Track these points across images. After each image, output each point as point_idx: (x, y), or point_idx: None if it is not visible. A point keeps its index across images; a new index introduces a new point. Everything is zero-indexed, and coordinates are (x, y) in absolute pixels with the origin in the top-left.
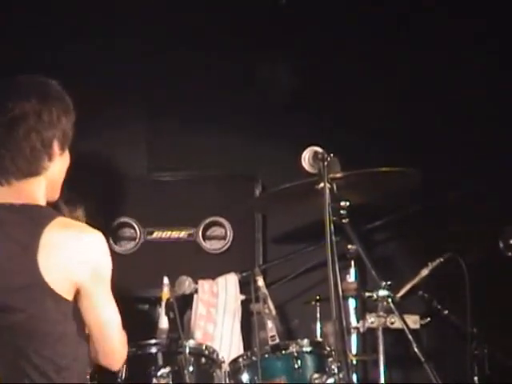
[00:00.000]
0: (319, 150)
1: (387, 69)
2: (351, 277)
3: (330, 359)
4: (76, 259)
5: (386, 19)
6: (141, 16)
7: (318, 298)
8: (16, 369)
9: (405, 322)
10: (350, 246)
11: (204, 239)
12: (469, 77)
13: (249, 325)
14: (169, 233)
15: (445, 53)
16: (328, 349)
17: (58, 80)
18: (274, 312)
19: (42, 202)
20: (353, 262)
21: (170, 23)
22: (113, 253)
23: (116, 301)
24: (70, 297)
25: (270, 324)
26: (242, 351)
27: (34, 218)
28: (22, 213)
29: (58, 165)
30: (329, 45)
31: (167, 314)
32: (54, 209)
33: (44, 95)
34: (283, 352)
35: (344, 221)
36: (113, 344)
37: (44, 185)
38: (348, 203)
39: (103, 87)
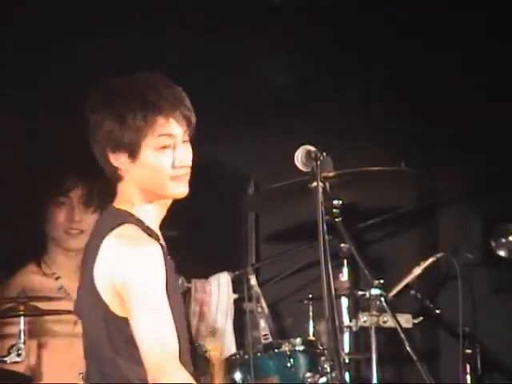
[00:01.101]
0: (312, 148)
1: (386, 68)
2: (344, 275)
3: (323, 358)
4: (113, 269)
5: (386, 19)
6: (140, 16)
7: (310, 296)
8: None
9: (397, 321)
10: (342, 245)
11: None
12: (468, 77)
13: (241, 324)
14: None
15: (445, 53)
16: (320, 347)
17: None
18: (266, 311)
19: (129, 207)
20: (345, 261)
21: (169, 23)
22: None
23: None
24: (116, 310)
25: (262, 323)
26: (234, 350)
27: (105, 224)
28: (107, 217)
29: (135, 172)
30: (328, 45)
31: None
32: None
33: (107, 104)
34: (276, 351)
35: (337, 219)
36: (148, 364)
37: (131, 189)
38: (341, 202)
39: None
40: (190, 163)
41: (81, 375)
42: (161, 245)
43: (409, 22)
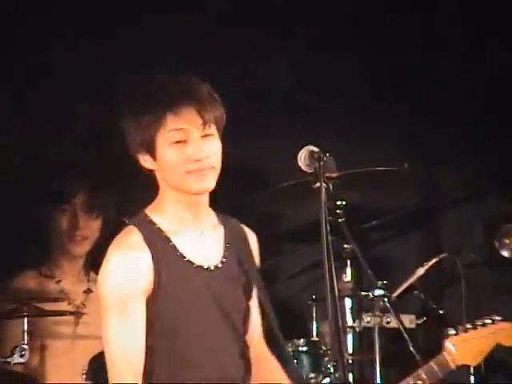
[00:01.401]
0: (315, 149)
1: (386, 69)
2: (347, 276)
3: (326, 359)
4: None
5: (386, 19)
6: (140, 18)
7: (313, 297)
8: None
9: (401, 322)
10: (345, 246)
11: None
12: (469, 77)
13: None
14: None
15: (444, 53)
16: (324, 348)
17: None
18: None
19: (155, 207)
20: (349, 262)
21: (169, 24)
22: None
23: None
24: None
25: None
26: None
27: None
28: None
29: (161, 171)
30: (328, 46)
31: None
32: None
33: (124, 107)
34: None
35: (340, 220)
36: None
37: (163, 189)
38: (344, 203)
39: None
40: (206, 157)
41: (84, 375)
42: (172, 246)
43: (409, 21)
